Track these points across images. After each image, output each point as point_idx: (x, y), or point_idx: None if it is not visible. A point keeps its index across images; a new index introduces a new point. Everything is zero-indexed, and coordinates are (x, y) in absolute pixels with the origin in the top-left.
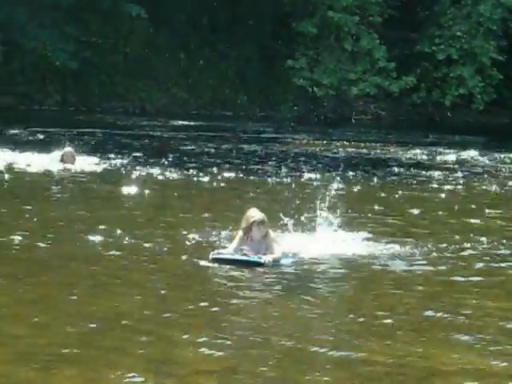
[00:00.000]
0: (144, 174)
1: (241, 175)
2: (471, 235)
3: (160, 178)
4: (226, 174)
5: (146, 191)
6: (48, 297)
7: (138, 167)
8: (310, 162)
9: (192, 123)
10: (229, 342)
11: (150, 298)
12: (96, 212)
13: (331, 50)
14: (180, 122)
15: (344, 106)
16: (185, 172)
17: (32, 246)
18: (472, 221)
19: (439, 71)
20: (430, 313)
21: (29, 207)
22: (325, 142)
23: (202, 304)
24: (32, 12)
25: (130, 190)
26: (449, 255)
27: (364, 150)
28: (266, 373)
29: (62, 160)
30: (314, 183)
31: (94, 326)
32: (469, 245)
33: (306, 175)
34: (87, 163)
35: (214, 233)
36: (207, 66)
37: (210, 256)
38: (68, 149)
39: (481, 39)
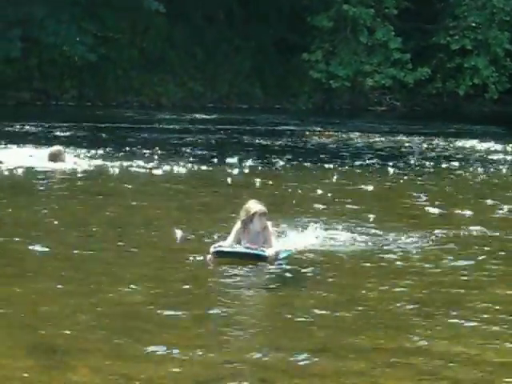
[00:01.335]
0: (146, 169)
1: (250, 169)
2: (481, 227)
3: (164, 173)
4: (233, 169)
5: (149, 186)
6: (48, 294)
7: (138, 161)
8: (316, 155)
9: (208, 117)
10: (229, 339)
11: (150, 296)
12: (94, 209)
13: (347, 42)
14: (196, 116)
15: (359, 97)
16: (189, 167)
17: (29, 245)
18: (483, 211)
19: (454, 62)
20: (431, 306)
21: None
22: (339, 133)
23: (202, 301)
24: (50, 8)
25: (129, 185)
26: (452, 249)
27: (375, 140)
28: (267, 370)
29: (51, 159)
30: (318, 175)
31: (94, 321)
32: (474, 237)
33: (313, 167)
34: (78, 161)
35: (215, 229)
36: (223, 60)
37: (211, 249)
38: (55, 147)
39: (495, 30)
